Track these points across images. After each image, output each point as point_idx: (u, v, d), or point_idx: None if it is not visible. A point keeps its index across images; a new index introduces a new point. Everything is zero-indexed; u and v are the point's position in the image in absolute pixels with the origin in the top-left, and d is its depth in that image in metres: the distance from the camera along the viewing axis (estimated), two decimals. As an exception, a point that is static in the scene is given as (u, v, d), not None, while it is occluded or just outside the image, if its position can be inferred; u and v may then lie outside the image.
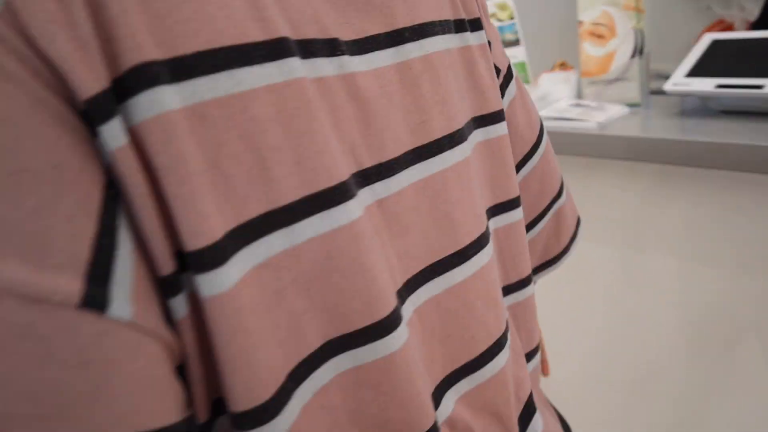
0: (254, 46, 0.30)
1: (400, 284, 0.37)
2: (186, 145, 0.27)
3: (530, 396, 0.49)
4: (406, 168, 0.39)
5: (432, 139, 0.40)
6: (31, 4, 0.25)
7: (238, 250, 0.29)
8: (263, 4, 0.31)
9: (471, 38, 0.45)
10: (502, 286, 0.48)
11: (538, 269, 0.60)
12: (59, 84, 0.26)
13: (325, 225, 0.32)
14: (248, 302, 0.29)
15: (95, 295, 0.25)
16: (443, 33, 0.43)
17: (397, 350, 0.34)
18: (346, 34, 0.36)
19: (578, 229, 0.62)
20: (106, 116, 0.26)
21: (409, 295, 0.38)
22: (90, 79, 0.26)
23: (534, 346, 0.53)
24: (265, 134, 0.30)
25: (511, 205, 0.48)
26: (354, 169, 0.35)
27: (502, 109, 0.47)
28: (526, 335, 0.52)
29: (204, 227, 0.27)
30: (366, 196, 0.35)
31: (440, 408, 0.40)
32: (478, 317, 0.43)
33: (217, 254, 0.28)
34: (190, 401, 0.30)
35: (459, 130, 0.42)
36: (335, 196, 0.32)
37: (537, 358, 0.54)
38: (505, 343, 0.45)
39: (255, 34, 0.30)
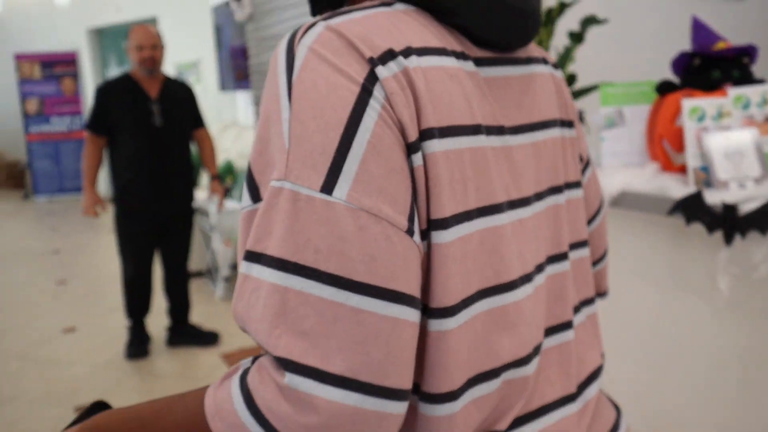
0: (467, 127, 0.56)
1: (530, 265, 0.62)
2: (441, 169, 0.53)
3: (595, 368, 0.73)
4: (532, 204, 0.65)
5: (545, 188, 0.68)
6: (396, 96, 0.51)
7: (455, 225, 0.53)
8: (471, 104, 0.57)
9: (567, 132, 0.73)
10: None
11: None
12: (401, 132, 0.51)
13: (485, 223, 0.57)
14: (455, 251, 0.54)
15: (410, 228, 0.50)
16: (555, 126, 0.70)
17: (520, 300, 0.60)
18: (507, 123, 0.63)
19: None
20: (415, 151, 0.52)
21: (540, 271, 0.64)
22: (412, 133, 0.51)
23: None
24: (466, 171, 0.55)
25: (583, 244, 0.74)
26: (506, 199, 0.60)
27: (580, 181, 0.75)
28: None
29: (441, 210, 0.53)
30: (512, 214, 0.61)
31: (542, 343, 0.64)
32: (570, 295, 0.70)
33: (444, 223, 0.53)
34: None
35: (561, 185, 0.70)
36: (493, 210, 0.58)
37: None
38: (581, 320, 0.73)
39: (468, 119, 0.56)
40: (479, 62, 0.60)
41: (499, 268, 0.58)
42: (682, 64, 1.53)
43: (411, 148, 0.51)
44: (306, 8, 2.69)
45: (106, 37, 8.59)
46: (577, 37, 1.78)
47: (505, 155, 0.61)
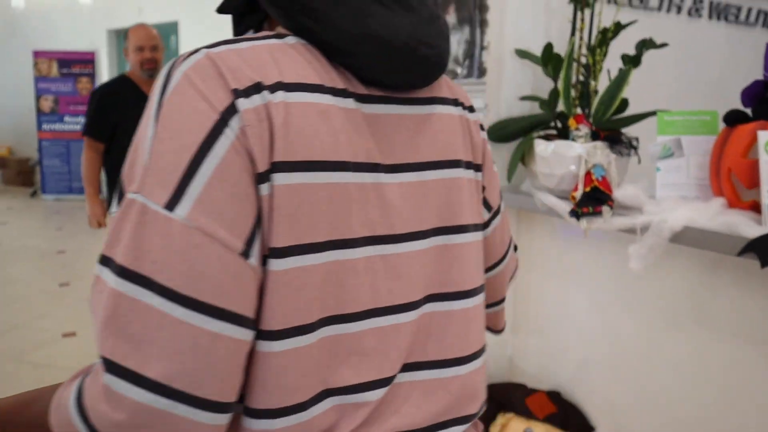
0: (328, 163, 0.58)
1: (395, 299, 0.64)
2: (285, 201, 0.56)
3: (469, 414, 0.73)
4: (408, 241, 0.66)
5: (430, 227, 0.68)
6: (251, 128, 0.54)
7: (294, 254, 0.56)
8: (338, 140, 0.59)
9: (472, 175, 0.74)
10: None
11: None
12: (251, 161, 0.55)
13: (335, 256, 0.59)
14: (292, 280, 0.57)
15: (246, 251, 0.54)
16: (455, 167, 0.71)
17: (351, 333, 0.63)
18: (386, 160, 0.64)
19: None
20: (264, 181, 0.55)
21: (412, 308, 0.66)
22: (262, 164, 0.55)
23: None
24: (319, 204, 0.58)
25: (464, 293, 0.72)
26: (366, 234, 0.62)
27: (479, 224, 0.76)
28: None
29: (279, 239, 0.56)
30: (372, 249, 0.63)
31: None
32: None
33: (280, 252, 0.56)
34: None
35: (452, 226, 0.71)
36: (346, 244, 0.60)
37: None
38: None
39: (331, 156, 0.59)
40: (365, 99, 0.63)
41: (344, 299, 0.61)
42: (754, 93, 1.42)
43: (260, 178, 0.55)
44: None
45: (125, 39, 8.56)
46: (633, 60, 1.68)
47: (377, 192, 0.63)
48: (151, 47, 2.88)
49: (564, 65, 1.65)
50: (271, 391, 0.57)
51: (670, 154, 1.57)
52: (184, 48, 7.24)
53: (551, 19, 1.86)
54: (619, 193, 1.54)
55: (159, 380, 0.50)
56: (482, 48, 1.74)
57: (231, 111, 0.54)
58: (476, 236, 0.75)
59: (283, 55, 0.59)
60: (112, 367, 0.50)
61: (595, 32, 1.71)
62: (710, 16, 2.39)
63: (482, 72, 1.74)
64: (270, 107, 0.55)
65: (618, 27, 1.70)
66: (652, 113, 1.66)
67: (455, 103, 0.74)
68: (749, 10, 2.42)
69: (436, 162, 0.69)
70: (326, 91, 0.59)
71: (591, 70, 1.70)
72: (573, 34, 1.75)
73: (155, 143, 0.54)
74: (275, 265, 0.56)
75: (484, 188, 0.80)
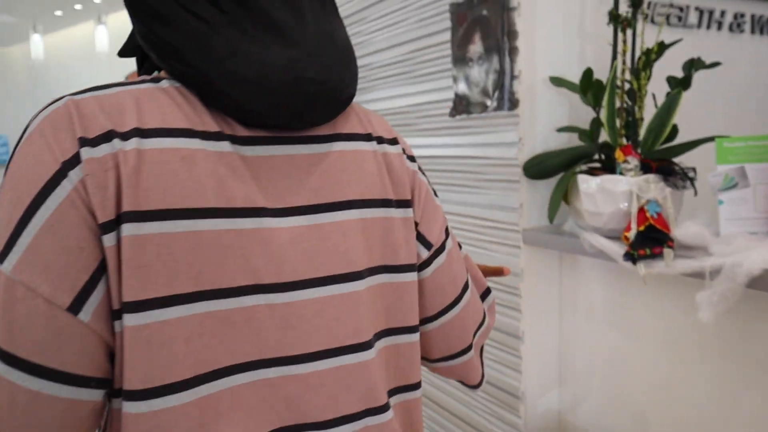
0: (191, 210, 0.55)
1: (274, 353, 0.61)
2: (135, 253, 0.53)
3: None
4: (303, 289, 0.61)
5: (331, 273, 0.63)
6: (93, 178, 0.52)
7: (153, 308, 0.54)
8: (204, 187, 0.56)
9: (394, 213, 0.69)
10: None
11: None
12: (91, 213, 0.52)
13: (207, 307, 0.56)
14: (153, 335, 0.54)
15: (74, 307, 0.52)
16: (369, 207, 0.67)
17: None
18: (273, 204, 0.61)
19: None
20: (108, 231, 0.53)
21: (316, 359, 0.63)
22: (103, 214, 0.52)
23: None
24: (182, 254, 0.54)
25: (411, 329, 0.72)
26: (249, 283, 0.58)
27: (413, 264, 0.71)
28: None
29: (132, 293, 0.53)
30: (258, 298, 0.59)
31: None
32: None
33: (134, 306, 0.53)
34: (111, 373, 0.56)
35: (356, 272, 0.65)
36: (221, 294, 0.57)
37: None
38: None
39: (194, 203, 0.55)
40: (245, 142, 0.60)
41: (223, 352, 0.57)
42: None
43: (103, 229, 0.53)
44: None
45: (143, 85, 8.61)
46: (683, 83, 1.51)
47: (260, 238, 0.59)
48: None
49: (607, 91, 1.49)
50: None
51: (733, 184, 1.40)
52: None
53: (586, 43, 1.71)
54: (680, 232, 1.36)
55: None
56: (513, 77, 1.59)
57: (74, 161, 0.53)
58: (410, 276, 0.72)
59: (150, 100, 0.57)
60: None
61: (637, 54, 1.55)
62: (752, 31, 2.23)
63: (514, 103, 1.60)
64: (119, 155, 0.53)
65: (662, 47, 1.54)
66: (709, 139, 1.50)
67: (367, 137, 0.70)
68: (795, 23, 2.25)
69: (338, 203, 0.65)
70: (195, 135, 0.57)
71: (635, 96, 1.54)
72: (614, 57, 1.60)
73: (5, 188, 0.55)
74: (130, 320, 0.53)
75: (417, 224, 0.73)
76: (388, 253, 0.69)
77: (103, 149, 0.53)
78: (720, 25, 2.14)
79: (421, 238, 0.74)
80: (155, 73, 0.64)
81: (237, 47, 0.57)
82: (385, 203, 0.68)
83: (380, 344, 0.69)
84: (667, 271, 1.32)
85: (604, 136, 1.58)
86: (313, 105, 0.61)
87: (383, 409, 0.67)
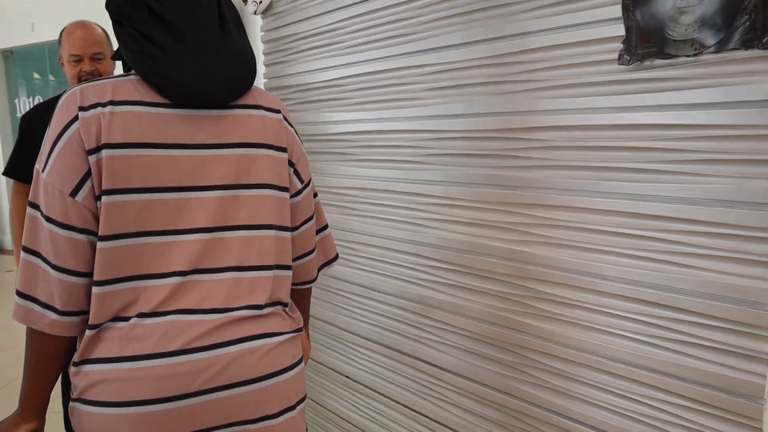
0: (138, 144, 1.00)
1: (185, 225, 1.06)
2: (108, 164, 0.99)
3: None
4: (212, 190, 1.06)
5: (226, 183, 1.07)
6: (84, 127, 0.99)
7: (116, 194, 0.99)
8: (146, 132, 1.01)
9: (275, 153, 1.13)
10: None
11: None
12: (82, 145, 0.99)
13: (150, 196, 1.02)
14: (116, 207, 1.01)
15: (73, 192, 0.99)
16: (256, 147, 1.10)
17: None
18: (192, 141, 1.05)
19: (323, 268, 1.37)
20: (94, 153, 0.99)
21: (208, 231, 1.09)
22: (89, 145, 0.99)
23: None
24: (134, 167, 1.00)
25: (267, 227, 1.13)
26: (177, 185, 1.03)
27: (287, 187, 1.16)
28: None
29: (106, 185, 0.99)
30: (181, 194, 1.04)
31: None
32: None
33: (108, 192, 0.99)
34: (95, 227, 1.02)
35: (244, 183, 1.09)
36: (157, 190, 1.02)
37: None
38: None
39: (140, 139, 1.00)
40: (176, 107, 1.05)
41: (154, 221, 1.02)
42: None
43: (89, 153, 0.98)
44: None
45: (15, 60, 7.27)
46: None
47: (184, 159, 1.03)
48: (92, 56, 1.98)
49: None
50: (103, 269, 1.00)
51: None
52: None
53: None
54: None
55: (41, 252, 1.01)
56: None
57: (75, 118, 0.99)
58: (281, 194, 1.15)
59: (121, 85, 1.03)
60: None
61: None
62: None
63: None
64: (99, 115, 0.99)
65: None
66: None
67: (257, 107, 1.13)
68: None
69: (233, 143, 1.08)
70: (144, 104, 1.02)
71: None
72: None
73: (46, 136, 1.02)
74: (105, 199, 0.99)
75: (293, 164, 1.19)
76: (273, 176, 1.13)
77: (91, 112, 0.99)
78: None
79: (297, 174, 1.20)
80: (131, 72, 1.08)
81: (158, 56, 1.02)
82: (266, 146, 1.12)
83: (271, 232, 1.13)
84: None
85: None
86: (220, 97, 1.07)
87: (258, 268, 1.12)
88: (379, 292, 1.88)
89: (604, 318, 1.31)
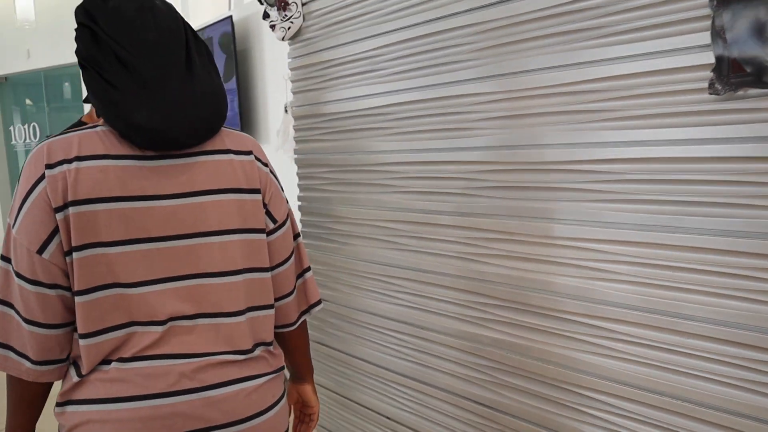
0: (104, 198, 1.03)
1: (158, 275, 1.09)
2: (75, 220, 1.02)
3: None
4: (180, 239, 1.09)
5: (193, 231, 1.10)
6: (51, 185, 1.02)
7: (84, 249, 1.03)
8: (112, 186, 1.04)
9: (246, 196, 1.15)
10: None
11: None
12: (49, 203, 1.02)
13: (117, 249, 1.05)
14: (82, 261, 1.05)
15: (40, 250, 1.03)
16: (220, 194, 1.12)
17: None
18: (159, 192, 1.07)
19: (304, 315, 1.36)
20: (61, 210, 1.02)
21: (174, 280, 1.11)
22: (56, 202, 1.02)
23: None
24: (99, 221, 1.03)
25: (262, 270, 1.20)
26: (146, 236, 1.06)
27: (262, 228, 1.18)
28: None
29: (74, 241, 1.02)
30: (150, 245, 1.08)
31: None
32: None
33: (76, 248, 1.03)
34: (67, 283, 1.06)
35: (213, 230, 1.11)
36: (123, 242, 1.05)
37: None
38: None
39: (107, 193, 1.04)
40: (143, 159, 1.07)
41: (119, 274, 1.05)
42: None
43: (57, 210, 1.01)
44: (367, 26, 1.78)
45: (9, 87, 7.16)
46: None
47: (151, 211, 1.06)
48: None
49: None
50: (85, 322, 1.04)
51: None
52: (82, 94, 6.01)
53: None
54: None
55: (14, 304, 1.06)
56: None
57: (42, 177, 1.02)
58: (256, 236, 1.17)
59: (87, 139, 1.06)
60: None
61: None
62: None
63: None
64: (65, 172, 1.02)
65: None
66: None
67: (225, 152, 1.15)
68: None
69: (200, 191, 1.10)
70: (108, 157, 1.05)
71: None
72: None
73: (16, 191, 1.06)
74: (76, 255, 1.02)
75: (266, 204, 1.20)
76: (242, 220, 1.15)
77: (57, 169, 1.02)
78: None
79: (269, 215, 1.21)
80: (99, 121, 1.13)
81: (129, 106, 1.04)
82: (237, 190, 1.14)
83: (246, 276, 1.15)
84: None
85: None
86: (183, 138, 1.09)
87: (237, 314, 1.15)
88: (422, 328, 1.80)
89: (688, 360, 1.23)
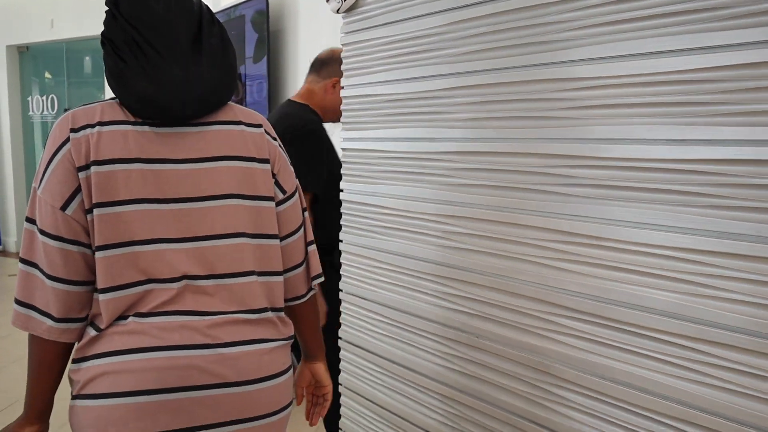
0: (121, 159, 1.15)
1: (169, 234, 1.20)
2: (96, 179, 1.13)
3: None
4: (190, 202, 1.19)
5: (205, 195, 1.20)
6: (74, 147, 1.14)
7: (104, 207, 1.14)
8: (130, 148, 1.16)
9: (256, 165, 1.25)
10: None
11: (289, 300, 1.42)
12: (72, 163, 1.14)
13: (132, 207, 1.16)
14: (104, 218, 1.16)
15: (63, 206, 1.14)
16: (232, 160, 1.22)
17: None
18: (174, 156, 1.19)
19: (312, 285, 1.43)
20: (83, 170, 1.14)
21: (183, 241, 1.22)
22: (80, 163, 1.14)
23: None
24: (118, 181, 1.13)
25: (269, 236, 1.28)
26: (160, 196, 1.17)
27: (271, 197, 1.28)
28: None
29: (95, 198, 1.13)
30: (163, 205, 1.18)
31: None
32: None
33: (97, 204, 1.13)
34: (88, 239, 1.16)
35: (223, 194, 1.21)
36: (138, 201, 1.16)
37: None
38: None
39: (124, 155, 1.15)
40: (156, 125, 1.18)
41: (136, 232, 1.13)
42: None
43: (81, 169, 1.12)
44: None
45: (30, 57, 7.03)
46: None
47: (166, 173, 1.16)
48: None
49: None
50: (104, 277, 1.12)
51: None
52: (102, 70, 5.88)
53: None
54: None
55: (38, 263, 1.15)
56: None
57: (67, 140, 1.13)
58: (265, 203, 1.26)
59: (109, 107, 1.18)
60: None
61: None
62: None
63: None
64: (88, 135, 1.13)
65: None
66: None
67: (236, 123, 1.25)
68: None
69: (212, 157, 1.20)
70: (128, 123, 1.16)
71: None
72: None
73: (43, 156, 1.15)
74: (96, 212, 1.11)
75: (275, 175, 1.29)
76: (247, 186, 1.23)
77: (81, 133, 1.13)
78: None
79: (278, 185, 1.30)
80: None
81: (134, 81, 1.15)
82: (248, 159, 1.24)
83: (257, 241, 1.24)
84: None
85: None
86: (187, 111, 1.19)
87: (248, 274, 1.24)
88: (448, 327, 1.62)
89: (734, 376, 1.06)
